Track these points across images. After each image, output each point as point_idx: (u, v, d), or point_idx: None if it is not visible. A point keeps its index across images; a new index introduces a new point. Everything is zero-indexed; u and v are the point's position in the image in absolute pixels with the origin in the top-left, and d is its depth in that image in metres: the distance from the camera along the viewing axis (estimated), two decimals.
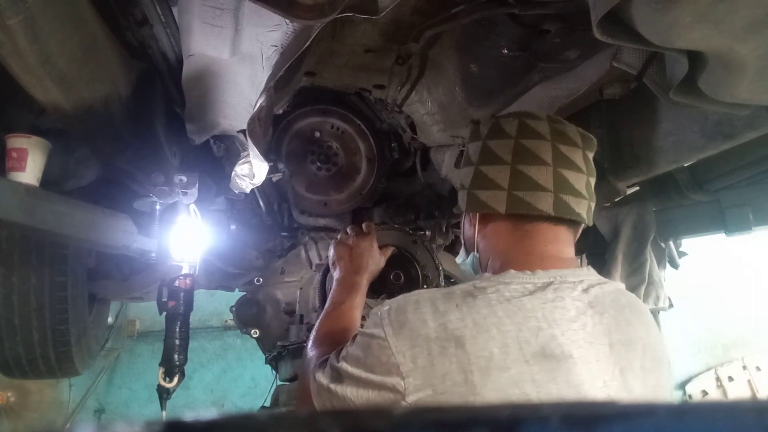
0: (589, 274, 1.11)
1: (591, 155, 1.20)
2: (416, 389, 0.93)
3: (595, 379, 0.97)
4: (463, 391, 0.91)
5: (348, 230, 1.65)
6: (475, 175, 1.16)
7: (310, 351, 1.28)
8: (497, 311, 0.96)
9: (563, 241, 1.14)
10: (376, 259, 1.60)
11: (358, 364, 1.00)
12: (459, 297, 0.99)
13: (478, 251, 1.21)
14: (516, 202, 1.11)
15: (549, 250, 1.12)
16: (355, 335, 1.06)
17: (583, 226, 1.18)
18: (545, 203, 1.10)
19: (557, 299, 1.00)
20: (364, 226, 1.66)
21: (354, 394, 0.99)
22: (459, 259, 1.36)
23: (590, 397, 0.95)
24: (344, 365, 1.02)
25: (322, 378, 1.05)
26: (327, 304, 1.46)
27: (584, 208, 1.14)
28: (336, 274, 1.56)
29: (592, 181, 1.18)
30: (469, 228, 1.24)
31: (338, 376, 1.03)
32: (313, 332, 1.36)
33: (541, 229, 1.12)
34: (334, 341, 1.21)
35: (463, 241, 1.30)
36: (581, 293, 1.03)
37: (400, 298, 1.03)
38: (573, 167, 1.13)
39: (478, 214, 1.19)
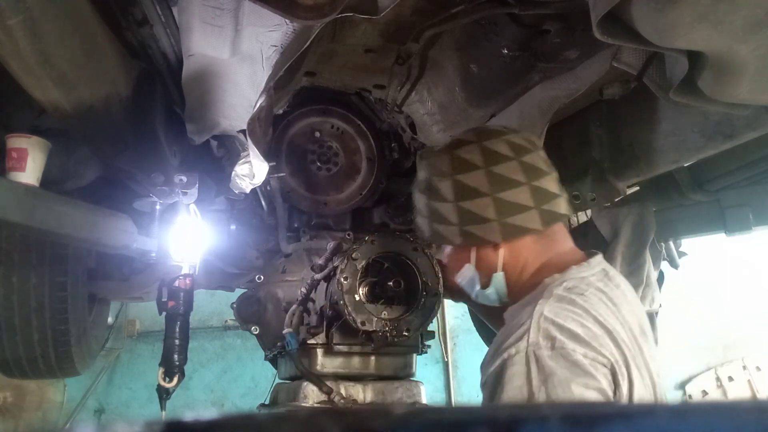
0: (602, 258, 1.24)
1: (543, 152, 1.27)
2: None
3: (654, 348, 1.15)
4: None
5: None
6: (496, 203, 1.19)
7: None
8: (606, 303, 1.09)
9: (566, 235, 1.27)
10: None
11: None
12: (575, 300, 1.07)
13: (505, 271, 1.24)
14: (509, 229, 1.18)
15: (570, 244, 1.25)
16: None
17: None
18: (533, 220, 1.18)
19: (620, 284, 1.15)
20: None
21: None
22: (473, 292, 1.35)
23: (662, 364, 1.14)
24: None
25: None
26: None
27: (564, 205, 1.24)
28: None
29: (556, 175, 1.26)
30: (484, 261, 1.25)
31: None
32: None
33: (561, 229, 1.25)
34: None
35: (474, 277, 1.29)
36: (618, 276, 1.20)
37: (534, 328, 1.03)
38: (541, 174, 1.21)
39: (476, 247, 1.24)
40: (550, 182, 1.21)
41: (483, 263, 1.25)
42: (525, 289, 1.18)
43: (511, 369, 1.00)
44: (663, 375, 1.17)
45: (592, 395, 0.96)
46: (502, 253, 1.22)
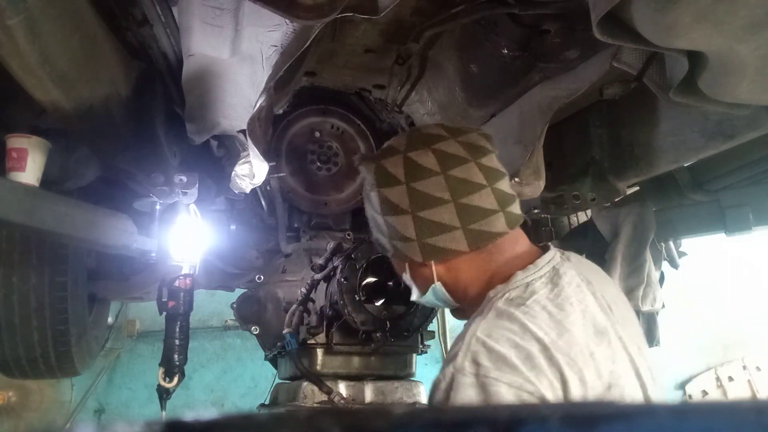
0: (557, 251, 1.15)
1: (496, 150, 1.19)
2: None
3: (620, 340, 1.06)
4: (581, 393, 0.95)
5: None
6: (416, 223, 1.11)
7: None
8: (551, 310, 1.01)
9: (523, 237, 1.19)
10: None
11: None
12: (513, 314, 1.00)
13: (444, 285, 1.18)
14: (475, 235, 1.10)
15: (518, 249, 1.16)
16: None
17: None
18: (500, 224, 1.11)
19: (571, 281, 1.06)
20: None
21: None
22: (414, 297, 1.28)
23: (630, 356, 1.05)
24: None
25: None
26: None
27: (518, 205, 1.18)
28: None
29: (508, 175, 1.19)
30: (419, 274, 1.20)
31: None
32: None
33: (502, 241, 1.13)
34: None
35: (412, 285, 1.25)
36: (571, 270, 1.10)
37: (469, 347, 0.98)
38: (500, 176, 1.14)
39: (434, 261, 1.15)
40: (484, 197, 1.10)
41: (417, 275, 1.21)
42: (475, 302, 1.12)
43: (437, 394, 0.99)
44: (654, 367, 1.12)
45: None
46: (434, 268, 1.15)
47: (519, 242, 1.17)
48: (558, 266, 1.10)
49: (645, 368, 1.08)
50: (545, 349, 0.96)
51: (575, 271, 1.11)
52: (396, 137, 1.27)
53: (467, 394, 0.93)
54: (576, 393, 0.95)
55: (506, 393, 0.92)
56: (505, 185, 1.14)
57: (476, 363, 0.95)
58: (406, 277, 1.24)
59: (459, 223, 1.09)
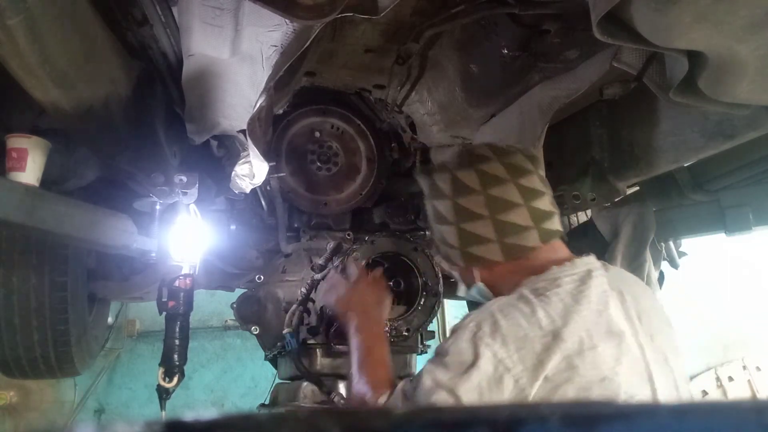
0: (596, 260, 1.25)
1: (542, 171, 1.32)
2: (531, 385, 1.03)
3: (640, 347, 1.12)
4: (568, 375, 1.03)
5: (355, 271, 1.64)
6: (459, 233, 1.26)
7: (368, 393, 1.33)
8: (567, 303, 1.10)
9: (563, 248, 1.30)
10: (388, 305, 1.64)
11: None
12: (530, 300, 1.11)
13: (486, 285, 1.31)
14: (510, 248, 1.23)
15: (556, 257, 1.25)
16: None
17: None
18: (533, 239, 1.23)
19: (600, 284, 1.15)
20: (372, 275, 1.66)
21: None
22: (461, 293, 1.39)
23: (645, 363, 1.12)
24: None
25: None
26: (365, 354, 1.45)
27: (558, 221, 1.29)
28: (357, 322, 1.51)
29: (551, 192, 1.31)
30: (465, 274, 1.35)
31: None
32: (365, 383, 1.37)
33: (538, 252, 1.24)
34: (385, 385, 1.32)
35: (459, 281, 1.39)
36: (603, 277, 1.18)
37: (481, 314, 1.12)
38: (537, 195, 1.25)
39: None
40: (519, 214, 1.23)
41: (463, 274, 1.36)
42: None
43: (442, 344, 1.15)
44: (683, 379, 1.20)
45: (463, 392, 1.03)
46: (474, 272, 1.30)
47: (558, 252, 1.27)
48: (593, 271, 1.19)
49: (664, 377, 1.14)
50: (545, 335, 1.05)
51: (607, 280, 1.18)
52: (450, 154, 1.48)
53: (460, 347, 1.08)
54: (558, 370, 1.03)
55: (488, 360, 1.04)
56: (543, 203, 1.26)
57: (479, 327, 1.09)
58: (456, 274, 1.38)
59: (495, 237, 1.23)
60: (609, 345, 1.08)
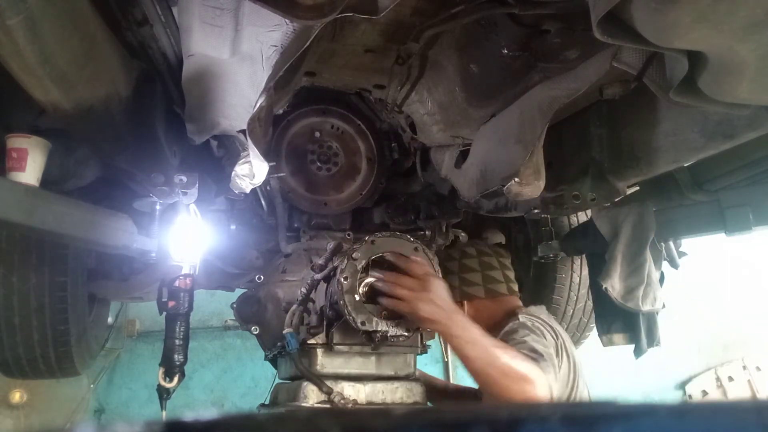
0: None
1: (508, 257, 2.30)
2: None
3: (573, 357, 1.87)
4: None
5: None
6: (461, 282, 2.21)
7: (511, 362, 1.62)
8: (553, 324, 1.94)
9: (518, 301, 2.18)
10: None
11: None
12: (538, 317, 1.96)
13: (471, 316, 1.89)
14: (488, 291, 2.16)
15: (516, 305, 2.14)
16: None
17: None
18: (502, 288, 2.17)
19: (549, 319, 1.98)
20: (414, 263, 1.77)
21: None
22: None
23: (573, 364, 1.85)
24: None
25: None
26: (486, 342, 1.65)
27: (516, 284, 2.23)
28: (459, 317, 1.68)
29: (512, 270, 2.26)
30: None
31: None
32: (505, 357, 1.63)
33: (506, 299, 2.15)
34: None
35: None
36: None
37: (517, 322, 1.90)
38: (507, 267, 2.23)
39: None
40: (497, 274, 2.17)
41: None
42: (492, 328, 1.78)
43: (511, 334, 1.82)
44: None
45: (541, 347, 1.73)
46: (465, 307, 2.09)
47: (517, 302, 2.15)
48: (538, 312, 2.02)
49: (582, 380, 1.87)
50: (557, 336, 1.83)
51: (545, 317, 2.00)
52: (466, 249, 2.28)
53: (524, 330, 1.81)
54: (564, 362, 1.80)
55: (543, 327, 1.86)
56: (510, 274, 2.21)
57: (530, 317, 1.91)
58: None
59: (482, 283, 2.14)
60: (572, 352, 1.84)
